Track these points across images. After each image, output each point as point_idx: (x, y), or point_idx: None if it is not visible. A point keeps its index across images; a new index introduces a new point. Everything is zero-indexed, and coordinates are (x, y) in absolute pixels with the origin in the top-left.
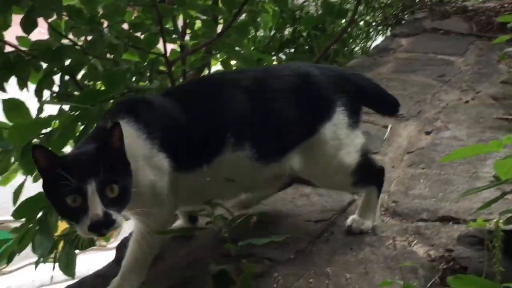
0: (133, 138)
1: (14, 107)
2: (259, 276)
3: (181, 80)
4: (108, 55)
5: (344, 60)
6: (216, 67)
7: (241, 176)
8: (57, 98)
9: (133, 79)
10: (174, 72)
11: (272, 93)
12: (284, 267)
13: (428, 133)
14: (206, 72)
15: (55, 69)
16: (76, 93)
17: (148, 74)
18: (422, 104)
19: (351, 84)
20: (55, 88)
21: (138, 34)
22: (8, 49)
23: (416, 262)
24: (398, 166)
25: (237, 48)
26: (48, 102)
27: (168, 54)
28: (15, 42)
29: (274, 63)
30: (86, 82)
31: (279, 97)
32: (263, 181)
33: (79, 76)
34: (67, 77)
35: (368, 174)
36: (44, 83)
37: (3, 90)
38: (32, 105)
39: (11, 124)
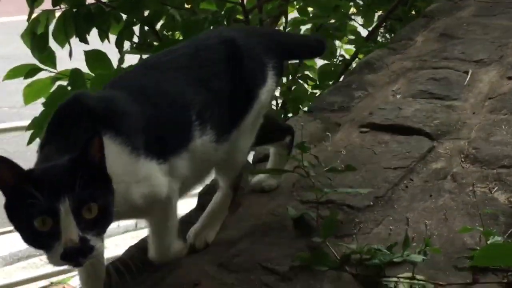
0: (118, 153)
1: (96, 58)
2: (340, 222)
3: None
4: (186, 5)
5: (423, 4)
6: (293, 14)
7: (208, 161)
8: (137, 49)
9: (211, 28)
10: (251, 20)
11: (207, 66)
12: (363, 213)
13: (510, 78)
14: (283, 20)
15: (135, 20)
16: (155, 43)
17: (225, 23)
18: (504, 49)
19: (274, 43)
20: (135, 39)
21: None
22: (89, 1)
23: (497, 208)
24: (479, 112)
25: None
26: (128, 52)
27: (245, 3)
28: None
29: (352, 10)
30: (164, 32)
31: (215, 69)
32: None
33: (158, 27)
34: (146, 28)
35: (240, 174)
36: (124, 34)
37: (85, 41)
38: (113, 55)
39: (93, 74)
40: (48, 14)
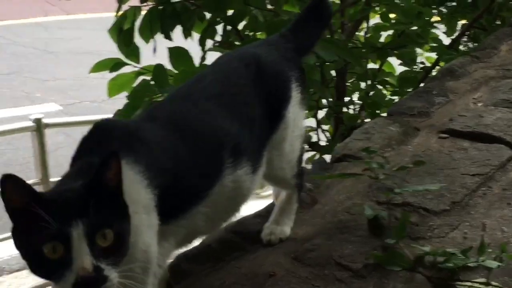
0: (134, 182)
1: (179, 55)
2: (414, 225)
3: (339, 31)
4: (269, 6)
5: (508, 14)
6: (375, 20)
7: (238, 199)
8: (219, 47)
9: None
10: (333, 24)
11: (239, 93)
12: (439, 217)
13: None
14: (364, 25)
15: (218, 19)
16: (237, 43)
17: None
18: None
19: (291, 49)
20: (218, 38)
21: None
22: None
23: None
24: None
25: (397, 1)
26: (211, 50)
27: None
28: None
29: (435, 18)
30: (247, 32)
31: (246, 94)
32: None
33: (240, 26)
34: (229, 27)
35: (300, 175)
36: (207, 32)
37: (170, 38)
38: (195, 53)
39: (175, 71)
40: (135, 10)
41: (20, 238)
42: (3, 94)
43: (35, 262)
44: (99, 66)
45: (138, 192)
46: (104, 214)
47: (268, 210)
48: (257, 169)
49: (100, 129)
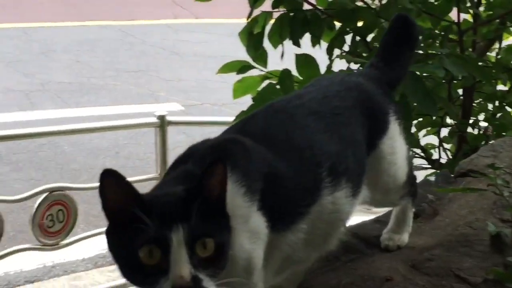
0: (230, 191)
1: (306, 62)
2: None
3: (470, 50)
4: None
5: None
6: (508, 41)
7: (337, 223)
8: (347, 56)
9: (422, 45)
10: (465, 41)
11: (339, 114)
12: None
13: None
14: (496, 45)
15: (348, 29)
16: (364, 54)
17: (438, 42)
18: None
19: (386, 84)
20: (345, 48)
21: (432, 0)
22: (306, 6)
23: None
24: None
25: None
26: (339, 57)
27: (460, 23)
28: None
29: None
30: (375, 44)
31: (346, 116)
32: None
33: (369, 38)
34: (358, 38)
35: (411, 184)
36: (336, 41)
37: (298, 45)
38: (321, 62)
39: (301, 77)
40: (267, 15)
41: (115, 240)
42: (129, 91)
43: (129, 266)
44: (227, 68)
45: (235, 201)
46: (206, 222)
47: (387, 215)
48: (357, 193)
49: (200, 143)
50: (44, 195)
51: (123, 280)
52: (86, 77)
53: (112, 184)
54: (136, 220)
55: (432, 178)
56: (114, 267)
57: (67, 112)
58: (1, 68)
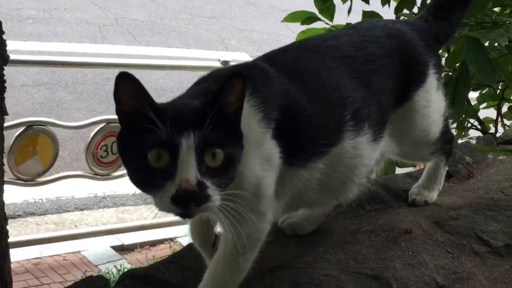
0: (246, 115)
1: (372, 18)
2: None
3: None
4: None
5: None
6: None
7: (357, 168)
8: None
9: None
10: None
11: (373, 61)
12: None
13: None
14: None
15: None
16: None
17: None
18: None
19: (433, 36)
20: (415, 10)
21: None
22: None
23: None
24: None
25: None
26: (403, 15)
27: None
28: None
29: None
30: None
31: (380, 64)
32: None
33: None
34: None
35: (445, 142)
36: (405, 2)
37: (367, 2)
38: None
39: None
40: None
41: (126, 143)
42: (200, 36)
43: (137, 170)
44: (292, 17)
45: (250, 125)
46: (219, 135)
47: (419, 172)
48: (378, 139)
49: (224, 68)
50: (102, 125)
51: (171, 218)
52: (160, 18)
53: (128, 87)
54: (149, 123)
55: (473, 141)
56: None
57: (136, 49)
58: (79, 0)
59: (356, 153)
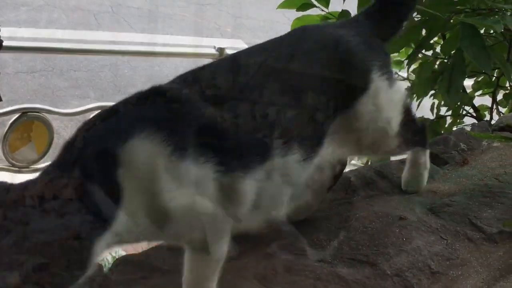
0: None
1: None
2: None
3: None
4: None
5: None
6: None
7: (286, 188)
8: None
9: None
10: None
11: (306, 75)
12: None
13: None
14: None
15: None
16: None
17: None
18: None
19: (378, 36)
20: None
21: None
22: None
23: None
24: None
25: None
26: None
27: None
28: None
29: None
30: None
31: (314, 78)
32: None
33: None
34: None
35: (415, 133)
36: None
37: None
38: None
39: None
40: None
41: None
42: (196, 23)
43: None
44: (288, 3)
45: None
46: None
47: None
48: (310, 158)
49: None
50: (96, 112)
51: None
52: (155, 5)
53: None
54: None
55: (468, 128)
56: None
57: (131, 36)
58: None
59: (285, 172)
